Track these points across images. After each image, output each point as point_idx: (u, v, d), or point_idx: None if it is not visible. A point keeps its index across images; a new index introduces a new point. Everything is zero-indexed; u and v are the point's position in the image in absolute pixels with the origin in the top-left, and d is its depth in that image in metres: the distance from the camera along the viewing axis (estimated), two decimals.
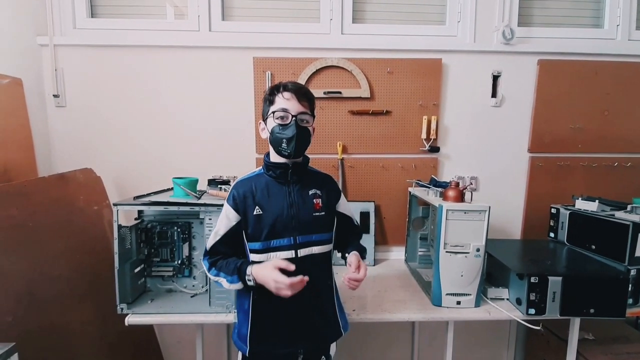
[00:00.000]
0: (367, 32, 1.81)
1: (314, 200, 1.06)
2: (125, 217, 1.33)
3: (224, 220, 1.05)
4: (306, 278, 0.94)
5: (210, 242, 1.07)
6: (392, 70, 1.77)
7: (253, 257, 1.04)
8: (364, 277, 1.04)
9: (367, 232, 1.79)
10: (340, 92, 1.76)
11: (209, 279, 1.27)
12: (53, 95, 1.70)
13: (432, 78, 1.78)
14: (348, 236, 1.19)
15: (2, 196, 1.23)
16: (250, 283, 0.99)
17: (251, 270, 0.99)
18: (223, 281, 1.03)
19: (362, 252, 1.17)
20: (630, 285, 1.29)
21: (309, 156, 1.11)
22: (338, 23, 1.79)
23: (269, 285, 0.95)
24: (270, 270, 0.95)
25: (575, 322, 1.38)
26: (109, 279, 1.25)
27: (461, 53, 1.79)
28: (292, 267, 0.94)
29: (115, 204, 1.25)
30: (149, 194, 1.38)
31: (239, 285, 1.01)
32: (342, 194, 1.17)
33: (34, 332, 1.22)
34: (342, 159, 1.81)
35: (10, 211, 1.24)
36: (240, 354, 1.10)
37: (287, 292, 0.93)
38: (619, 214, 1.42)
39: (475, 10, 1.78)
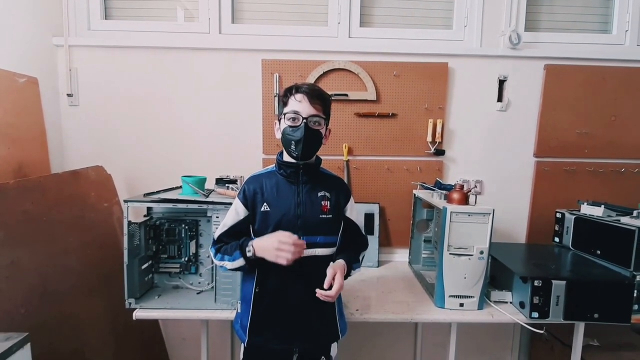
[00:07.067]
0: (374, 36, 1.83)
1: (322, 202, 1.07)
2: (134, 213, 1.36)
3: (233, 213, 1.09)
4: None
5: (217, 232, 1.11)
6: (398, 74, 1.78)
7: None
8: (334, 294, 0.99)
9: (372, 233, 1.80)
10: (346, 95, 1.78)
11: (214, 275, 1.30)
12: (67, 94, 1.75)
13: (438, 82, 1.80)
14: (350, 244, 1.16)
15: (18, 191, 1.26)
16: (250, 254, 1.00)
17: (252, 242, 1.01)
18: (226, 263, 1.05)
19: (353, 262, 1.12)
20: (635, 291, 1.28)
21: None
22: (346, 26, 1.81)
23: (269, 251, 0.97)
24: (272, 236, 0.99)
25: (580, 328, 1.37)
26: (118, 274, 1.28)
27: (467, 57, 1.80)
28: (294, 237, 0.98)
29: (125, 201, 1.28)
30: (158, 192, 1.42)
31: (240, 262, 1.02)
32: (352, 198, 1.15)
33: (46, 323, 1.26)
34: (347, 161, 1.83)
35: (26, 206, 1.28)
36: (242, 348, 1.12)
37: (287, 256, 0.95)
38: (625, 220, 1.42)
39: (482, 15, 1.79)
